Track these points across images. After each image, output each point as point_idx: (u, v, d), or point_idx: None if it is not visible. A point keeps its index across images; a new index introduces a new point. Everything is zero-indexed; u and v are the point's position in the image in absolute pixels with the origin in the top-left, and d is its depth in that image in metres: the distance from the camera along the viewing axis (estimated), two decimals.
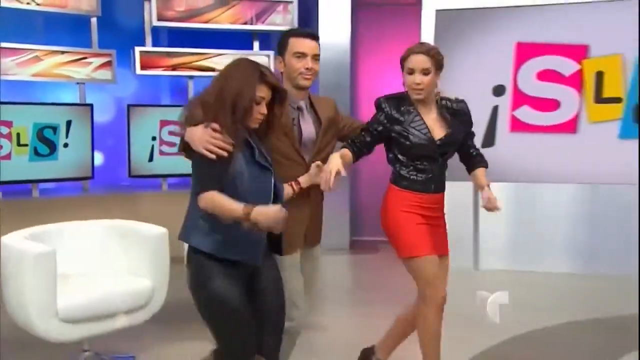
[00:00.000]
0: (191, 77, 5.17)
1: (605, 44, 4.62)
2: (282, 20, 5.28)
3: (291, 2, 5.24)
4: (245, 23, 5.24)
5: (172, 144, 4.92)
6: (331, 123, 2.48)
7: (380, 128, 2.48)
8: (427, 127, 2.47)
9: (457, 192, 4.84)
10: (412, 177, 2.48)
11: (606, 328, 3.75)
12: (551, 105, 4.76)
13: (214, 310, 2.03)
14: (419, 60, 2.42)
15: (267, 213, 1.84)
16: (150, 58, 5.06)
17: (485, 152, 4.68)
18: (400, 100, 2.50)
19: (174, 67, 5.11)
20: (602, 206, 5.04)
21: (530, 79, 4.77)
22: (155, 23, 5.06)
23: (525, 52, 4.77)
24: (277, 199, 2.06)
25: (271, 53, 5.38)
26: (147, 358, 3.20)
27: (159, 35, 5.37)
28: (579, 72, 4.67)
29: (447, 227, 2.69)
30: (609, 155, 4.62)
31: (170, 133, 5.02)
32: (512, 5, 4.82)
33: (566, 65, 4.71)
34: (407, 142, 2.46)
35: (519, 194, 5.09)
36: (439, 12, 4.86)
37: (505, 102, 4.85)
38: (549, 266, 5.07)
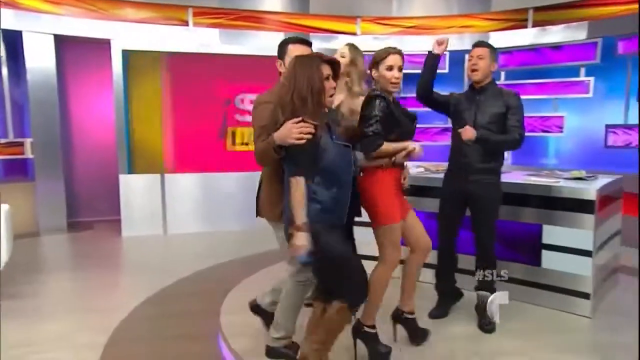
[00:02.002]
0: None
1: None
2: None
3: None
4: None
5: None
6: None
7: (381, 114, 2.58)
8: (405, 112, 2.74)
9: (147, 181, 5.99)
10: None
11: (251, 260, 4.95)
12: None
13: (336, 266, 2.20)
14: (397, 59, 2.63)
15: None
16: None
17: (168, 152, 5.96)
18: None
19: None
20: (244, 184, 6.07)
21: None
22: None
23: None
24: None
25: None
26: None
27: None
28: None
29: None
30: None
31: None
32: (174, 51, 6.11)
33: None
34: (398, 124, 2.63)
35: (192, 180, 6.35)
36: (124, 51, 5.93)
37: None
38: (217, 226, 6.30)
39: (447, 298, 3.43)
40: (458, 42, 6.89)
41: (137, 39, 6.00)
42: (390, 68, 2.62)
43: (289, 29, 6.77)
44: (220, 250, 5.39)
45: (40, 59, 5.87)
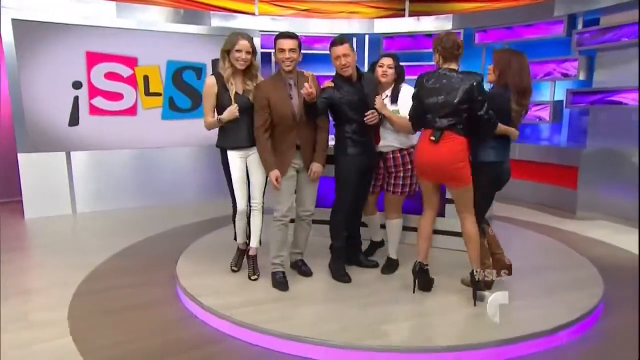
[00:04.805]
0: None
1: (149, 58, 5.94)
2: None
3: None
4: None
5: None
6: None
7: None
8: None
9: (51, 160, 5.51)
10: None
11: (178, 232, 4.97)
12: (117, 96, 5.95)
13: None
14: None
15: None
16: None
17: (72, 130, 5.46)
18: None
19: None
20: (150, 161, 6.30)
21: (100, 78, 5.78)
22: None
23: (94, 58, 5.68)
24: None
25: None
26: None
27: None
28: (133, 75, 5.90)
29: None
30: (156, 129, 6.09)
31: None
32: (79, 24, 5.62)
33: (124, 70, 5.87)
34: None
35: (99, 158, 5.99)
36: (15, 21, 5.24)
37: (84, 93, 5.67)
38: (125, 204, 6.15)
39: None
40: (347, 26, 7.42)
41: (28, 8, 5.32)
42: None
43: (187, 5, 6.56)
44: (138, 226, 5.22)
45: None
